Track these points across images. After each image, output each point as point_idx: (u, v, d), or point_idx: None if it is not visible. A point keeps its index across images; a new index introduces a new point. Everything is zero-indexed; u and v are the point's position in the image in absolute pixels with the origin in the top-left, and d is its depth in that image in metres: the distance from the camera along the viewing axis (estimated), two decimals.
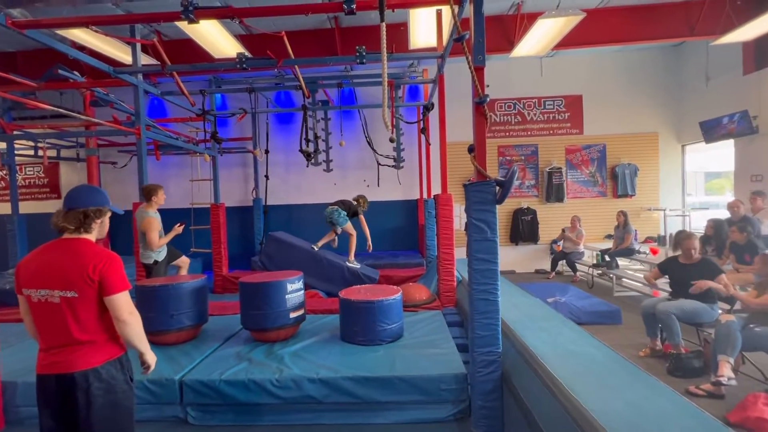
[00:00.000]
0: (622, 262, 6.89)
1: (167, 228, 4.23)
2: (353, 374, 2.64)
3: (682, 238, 3.70)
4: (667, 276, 3.86)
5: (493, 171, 8.56)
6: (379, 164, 8.04)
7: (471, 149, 2.58)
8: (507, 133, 8.35)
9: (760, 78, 5.98)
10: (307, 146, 5.89)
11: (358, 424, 2.60)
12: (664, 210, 8.04)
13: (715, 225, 4.83)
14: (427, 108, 5.91)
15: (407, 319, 3.87)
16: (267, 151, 7.36)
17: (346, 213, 5.75)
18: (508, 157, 8.35)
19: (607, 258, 6.64)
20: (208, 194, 6.79)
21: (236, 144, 8.07)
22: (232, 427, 2.62)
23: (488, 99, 2.44)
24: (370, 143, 6.67)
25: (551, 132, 8.33)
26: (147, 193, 4.09)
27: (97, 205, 1.75)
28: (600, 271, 6.76)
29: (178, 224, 4.32)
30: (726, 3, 5.85)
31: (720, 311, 3.46)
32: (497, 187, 2.42)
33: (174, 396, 2.68)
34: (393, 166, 7.94)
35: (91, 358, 1.65)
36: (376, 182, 8.27)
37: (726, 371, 2.77)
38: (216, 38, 4.70)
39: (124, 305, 1.68)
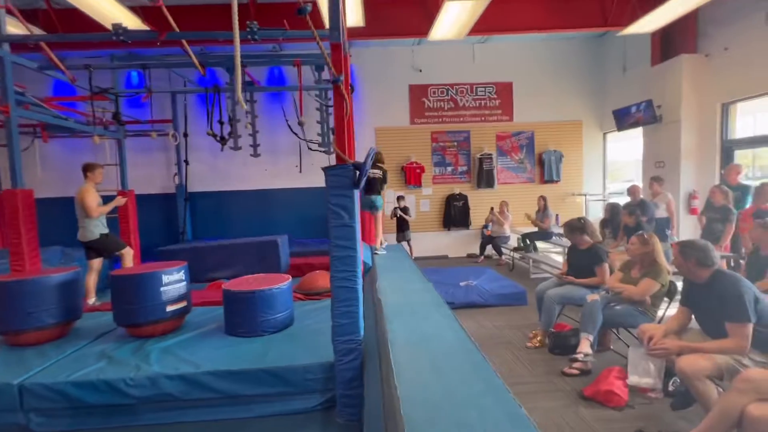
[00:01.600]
0: (542, 245, 7.18)
1: None
2: (214, 368, 2.51)
3: (567, 232, 3.86)
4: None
5: (426, 158, 8.57)
6: (309, 149, 7.79)
7: (332, 131, 2.46)
8: (440, 119, 8.38)
9: (664, 69, 6.32)
10: (221, 129, 5.58)
11: (222, 420, 2.49)
12: (585, 195, 8.46)
13: (611, 209, 5.09)
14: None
15: (306, 307, 3.79)
16: (186, 134, 6.91)
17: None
18: (441, 143, 8.41)
19: (527, 241, 6.88)
20: (116, 180, 6.30)
21: (152, 127, 7.53)
22: None
23: (342, 79, 2.33)
24: (291, 128, 6.40)
25: (483, 118, 8.45)
26: (84, 170, 4.25)
27: None
28: (519, 255, 7.01)
29: (118, 192, 4.27)
30: None
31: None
32: (355, 171, 2.33)
33: (13, 402, 2.43)
34: (324, 151, 7.73)
35: None
36: (304, 168, 8.05)
37: (584, 348, 2.91)
38: (104, 7, 4.27)
39: None
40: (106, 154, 6.53)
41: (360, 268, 2.38)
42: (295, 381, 2.53)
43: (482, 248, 7.72)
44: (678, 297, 3.10)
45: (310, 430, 2.37)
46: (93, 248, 4.32)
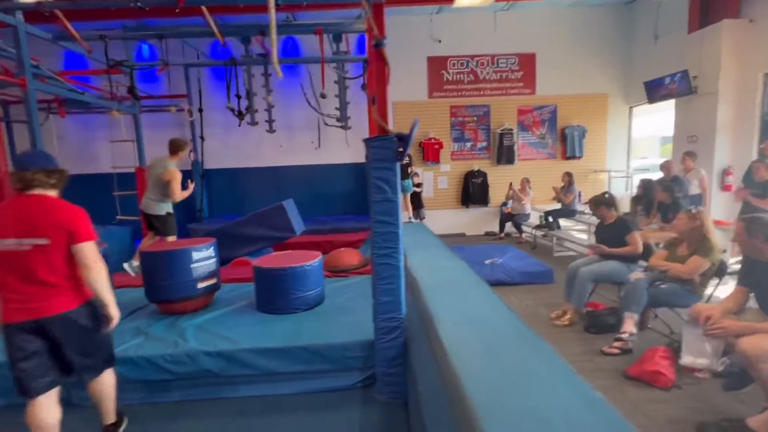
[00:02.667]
0: (565, 223, 7.02)
1: None
2: (253, 346, 2.48)
3: (593, 207, 3.77)
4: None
5: (444, 133, 8.34)
6: (326, 124, 7.62)
7: (373, 100, 2.32)
8: (459, 93, 8.09)
9: (702, 36, 5.95)
10: (238, 103, 5.44)
11: (261, 396, 2.47)
12: (609, 172, 8.22)
13: (644, 185, 4.90)
14: (368, 62, 5.52)
15: (334, 284, 3.73)
16: (200, 110, 6.77)
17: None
18: (460, 118, 8.15)
19: (550, 219, 6.73)
20: (133, 157, 6.22)
21: (169, 102, 7.38)
22: (121, 407, 2.42)
23: (386, 42, 2.16)
24: (309, 102, 6.22)
25: (504, 92, 8.13)
26: (174, 146, 4.04)
27: (62, 168, 1.96)
28: (542, 232, 6.88)
29: (190, 181, 4.29)
30: None
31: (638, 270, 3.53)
32: (399, 142, 2.21)
33: None
34: (341, 126, 7.54)
35: (66, 303, 1.85)
36: (320, 143, 7.91)
37: (629, 327, 2.83)
38: None
39: (90, 253, 1.85)
40: (121, 129, 6.43)
41: (402, 245, 2.29)
42: (334, 359, 2.50)
43: (502, 225, 7.59)
44: (728, 275, 2.99)
45: (350, 407, 2.34)
46: (151, 222, 4.19)
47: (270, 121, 7.54)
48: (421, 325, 2.22)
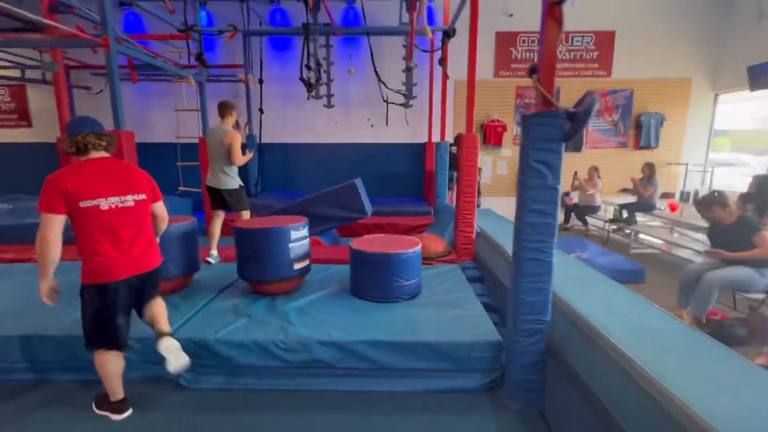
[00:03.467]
0: (639, 218, 6.54)
1: None
2: (370, 338, 2.28)
3: (703, 209, 3.43)
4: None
5: (508, 116, 7.87)
6: (386, 101, 7.27)
7: (534, 70, 1.99)
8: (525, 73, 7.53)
9: None
10: (308, 74, 5.16)
11: (374, 392, 2.28)
12: (686, 165, 7.59)
13: (758, 182, 4.40)
14: (448, 34, 5.13)
15: (422, 272, 3.51)
16: (261, 81, 6.55)
17: None
18: (526, 100, 7.64)
19: (625, 213, 6.26)
20: (194, 127, 6.09)
21: (225, 71, 7.19)
22: (227, 391, 2.28)
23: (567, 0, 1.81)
24: (378, 75, 5.86)
25: (577, 73, 7.54)
26: (225, 109, 3.82)
27: (110, 132, 2.07)
28: (616, 227, 6.43)
29: (249, 150, 4.12)
30: None
31: None
32: (568, 120, 1.89)
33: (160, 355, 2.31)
34: (402, 104, 7.17)
35: (158, 256, 2.09)
36: (385, 121, 7.56)
37: None
38: None
39: (164, 208, 2.18)
40: (183, 98, 6.29)
41: (556, 239, 2.00)
42: (458, 358, 2.27)
43: (567, 216, 7.16)
44: None
45: (479, 412, 2.12)
46: (222, 198, 3.94)
47: (329, 96, 7.28)
48: (577, 332, 1.95)
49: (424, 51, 5.46)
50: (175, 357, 1.98)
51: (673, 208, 6.70)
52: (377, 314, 2.61)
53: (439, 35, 5.69)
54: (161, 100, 7.27)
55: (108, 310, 1.87)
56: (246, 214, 4.14)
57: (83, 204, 1.78)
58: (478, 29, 4.09)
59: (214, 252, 3.89)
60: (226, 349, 2.28)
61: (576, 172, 6.96)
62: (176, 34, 5.34)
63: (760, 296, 3.17)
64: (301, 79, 4.98)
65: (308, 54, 5.12)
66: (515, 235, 2.07)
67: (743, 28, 6.81)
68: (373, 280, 2.81)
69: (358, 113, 7.72)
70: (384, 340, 2.28)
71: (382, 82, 5.97)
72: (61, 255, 1.80)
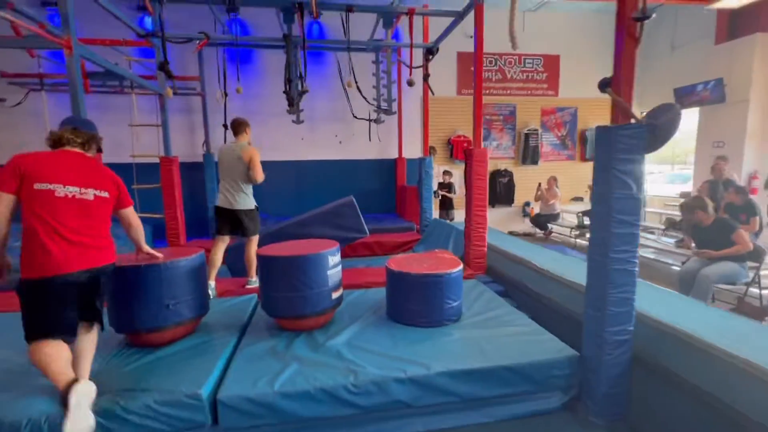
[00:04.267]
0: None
1: None
2: (449, 369, 2.09)
3: (687, 213, 3.93)
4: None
5: (471, 131, 8.16)
6: (354, 117, 7.12)
7: (607, 83, 2.03)
8: (487, 91, 7.97)
9: (733, 47, 6.29)
10: (288, 88, 4.86)
11: (459, 427, 2.09)
12: None
13: (710, 186, 5.04)
14: (431, 52, 5.20)
15: None
16: (225, 94, 6.02)
17: None
18: (487, 116, 8.04)
19: (586, 219, 6.79)
20: (151, 144, 5.36)
21: (180, 84, 6.51)
22: None
23: (653, 15, 1.89)
24: (360, 91, 5.69)
25: (529, 92, 8.14)
26: (241, 125, 3.62)
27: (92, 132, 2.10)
28: (579, 232, 6.94)
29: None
30: None
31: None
32: (650, 132, 1.94)
33: (203, 419, 1.88)
34: (374, 120, 7.06)
35: (111, 255, 2.00)
36: (353, 137, 7.41)
37: None
38: None
39: (135, 214, 2.22)
40: (134, 113, 5.52)
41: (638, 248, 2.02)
42: (538, 378, 2.17)
43: (542, 225, 7.53)
44: None
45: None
46: (238, 220, 3.55)
47: (297, 111, 6.94)
48: (670, 337, 1.97)
49: (412, 67, 5.45)
50: (81, 416, 1.64)
51: None
52: (438, 341, 2.42)
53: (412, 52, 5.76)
54: (111, 115, 6.32)
55: (48, 302, 1.77)
56: (256, 240, 3.71)
57: (37, 186, 1.76)
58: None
59: (212, 283, 3.40)
60: (289, 403, 1.93)
61: (540, 184, 7.41)
62: (132, 41, 4.71)
63: (743, 287, 3.58)
64: (286, 92, 4.66)
65: (289, 67, 4.83)
66: (597, 248, 2.06)
67: (661, 57, 7.93)
68: (422, 303, 2.61)
69: (325, 129, 7.48)
70: (463, 369, 2.10)
71: (364, 97, 5.83)
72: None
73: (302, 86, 4.94)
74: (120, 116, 6.00)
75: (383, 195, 7.73)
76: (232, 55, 7.05)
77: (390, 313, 2.79)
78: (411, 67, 5.10)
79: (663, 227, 5.77)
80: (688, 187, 7.48)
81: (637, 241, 2.00)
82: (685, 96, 6.79)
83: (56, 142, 1.93)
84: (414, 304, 2.64)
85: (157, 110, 5.02)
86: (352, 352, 2.28)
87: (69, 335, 1.82)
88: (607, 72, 7.64)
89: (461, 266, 2.77)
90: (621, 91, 1.99)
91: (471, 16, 5.47)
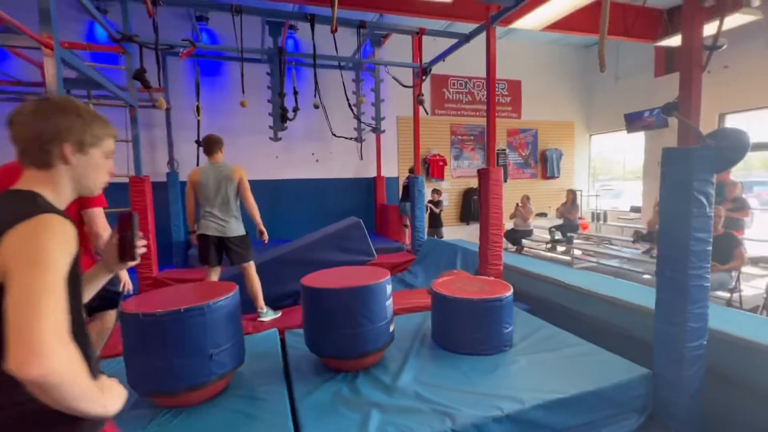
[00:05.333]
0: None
1: None
2: (543, 399, 1.97)
3: None
4: None
5: (445, 150, 8.33)
6: (334, 135, 6.91)
7: (673, 108, 2.12)
8: (458, 112, 8.24)
9: (670, 81, 7.17)
10: (282, 103, 4.58)
11: None
12: (581, 191, 9.22)
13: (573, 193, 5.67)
14: (425, 71, 5.24)
15: None
16: (198, 108, 5.51)
17: None
18: (459, 137, 8.28)
19: (559, 235, 7.19)
20: (118, 162, 4.67)
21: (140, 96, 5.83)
22: None
23: (724, 46, 2.01)
24: (352, 108, 5.48)
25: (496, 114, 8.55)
26: (216, 144, 3.25)
27: None
28: (551, 246, 7.31)
29: None
30: (661, 12, 6.81)
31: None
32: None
33: None
34: (354, 138, 6.91)
35: None
36: (330, 156, 7.18)
37: None
38: None
39: (99, 219, 2.07)
40: None
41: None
42: (621, 401, 2.14)
43: (516, 241, 7.78)
44: None
45: None
46: (228, 248, 3.21)
47: (280, 129, 6.56)
48: (743, 347, 2.04)
49: (405, 87, 5.44)
50: None
51: (584, 227, 8.00)
52: (510, 369, 2.30)
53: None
54: None
55: None
56: (253, 267, 3.33)
57: None
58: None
59: (263, 309, 3.03)
60: None
61: (518, 203, 7.73)
62: (104, 46, 4.13)
63: (727, 294, 3.95)
64: (281, 108, 4.37)
65: (283, 81, 4.56)
66: (669, 265, 2.10)
67: (605, 86, 8.83)
68: (482, 329, 2.48)
69: (302, 147, 7.17)
70: (555, 399, 1.99)
71: (356, 117, 5.69)
72: None
73: (296, 102, 4.67)
74: None
75: (362, 214, 7.39)
76: (204, 68, 6.54)
77: (439, 341, 2.63)
78: (416, 87, 5.09)
79: (632, 239, 6.29)
80: (638, 202, 8.28)
81: (709, 258, 2.07)
82: (634, 121, 7.59)
83: None
84: (473, 330, 2.50)
85: (125, 124, 4.40)
86: (429, 390, 2.07)
87: None
88: (559, 97, 8.49)
89: (512, 289, 2.70)
90: (689, 115, 2.08)
91: (443, 40, 5.58)
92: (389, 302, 2.37)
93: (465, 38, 4.65)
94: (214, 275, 3.33)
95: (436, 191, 7.12)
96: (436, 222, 7.06)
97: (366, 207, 7.56)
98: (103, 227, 2.03)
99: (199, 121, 5.48)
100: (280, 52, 4.51)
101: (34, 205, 0.82)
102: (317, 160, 7.28)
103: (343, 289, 2.22)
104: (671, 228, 2.12)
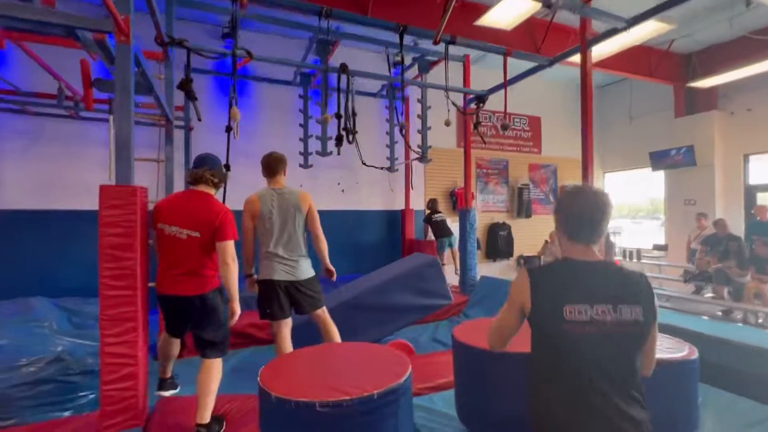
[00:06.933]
0: None
1: None
2: None
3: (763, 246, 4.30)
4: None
5: (471, 183, 8.06)
6: (364, 164, 6.43)
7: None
8: (483, 145, 8.02)
9: (695, 120, 7.32)
10: (345, 125, 4.11)
11: None
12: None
13: (711, 240, 5.51)
14: (481, 99, 4.97)
15: None
16: (229, 128, 4.92)
17: None
18: (484, 170, 8.04)
19: None
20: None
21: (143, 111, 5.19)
22: None
23: None
24: (402, 133, 4.98)
25: (518, 149, 8.45)
26: (280, 164, 2.95)
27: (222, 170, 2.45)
28: None
29: None
30: (681, 57, 7.03)
31: None
32: None
33: None
34: (387, 168, 6.44)
35: (201, 287, 2.17)
36: (356, 186, 6.69)
37: None
38: None
39: (229, 251, 2.16)
40: (110, 144, 4.07)
41: None
42: None
43: None
44: None
45: None
46: (301, 294, 2.62)
47: (306, 154, 6.05)
48: None
49: (464, 113, 5.13)
50: None
51: (617, 263, 7.76)
52: None
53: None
54: (39, 145, 4.65)
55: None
56: (327, 313, 2.71)
57: (159, 226, 2.17)
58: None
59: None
60: None
61: (546, 240, 7.43)
62: (149, 52, 3.53)
63: None
64: (345, 129, 3.90)
65: (347, 101, 4.12)
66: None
67: (620, 126, 8.99)
68: (677, 403, 1.96)
69: (328, 175, 6.64)
70: None
71: (408, 144, 5.27)
72: None
73: (353, 124, 4.21)
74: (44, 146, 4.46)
75: (389, 249, 6.97)
76: (222, 85, 6.03)
77: None
78: (472, 115, 4.75)
79: (682, 279, 6.07)
80: (660, 239, 8.21)
81: None
82: (661, 159, 7.63)
83: (195, 181, 2.30)
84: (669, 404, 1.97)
85: (159, 143, 3.75)
86: None
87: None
88: (575, 135, 8.18)
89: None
90: None
91: (475, 71, 5.30)
92: None
93: (549, 62, 4.42)
94: (286, 329, 2.67)
95: (433, 200, 6.76)
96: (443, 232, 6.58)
97: (393, 241, 7.02)
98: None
99: (228, 142, 4.88)
100: (342, 69, 4.07)
101: None
102: (343, 190, 6.75)
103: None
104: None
